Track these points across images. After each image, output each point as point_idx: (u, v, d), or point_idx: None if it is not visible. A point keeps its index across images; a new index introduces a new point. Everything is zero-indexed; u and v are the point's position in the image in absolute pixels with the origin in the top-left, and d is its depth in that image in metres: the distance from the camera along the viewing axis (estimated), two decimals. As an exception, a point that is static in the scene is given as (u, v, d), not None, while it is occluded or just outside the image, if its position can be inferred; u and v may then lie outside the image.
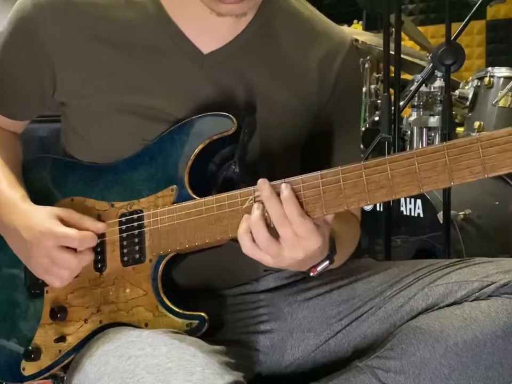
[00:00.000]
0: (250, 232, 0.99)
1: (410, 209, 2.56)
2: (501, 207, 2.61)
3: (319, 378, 1.17)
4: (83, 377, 1.05)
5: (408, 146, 2.99)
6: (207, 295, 1.23)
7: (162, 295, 1.11)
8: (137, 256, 1.13)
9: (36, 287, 1.22)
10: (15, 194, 1.19)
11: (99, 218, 1.17)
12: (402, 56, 2.40)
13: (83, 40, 1.16)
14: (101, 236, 1.15)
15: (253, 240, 0.99)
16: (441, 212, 2.23)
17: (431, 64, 2.20)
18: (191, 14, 1.17)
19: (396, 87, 2.17)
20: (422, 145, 2.93)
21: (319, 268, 1.05)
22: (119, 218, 1.15)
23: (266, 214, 0.98)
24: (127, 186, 1.16)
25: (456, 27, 2.13)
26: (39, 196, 1.20)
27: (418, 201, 2.53)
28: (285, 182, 0.98)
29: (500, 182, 2.66)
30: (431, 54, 2.41)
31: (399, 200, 2.54)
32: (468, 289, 1.14)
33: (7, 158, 1.26)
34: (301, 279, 1.26)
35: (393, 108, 2.12)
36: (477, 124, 2.83)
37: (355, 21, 4.30)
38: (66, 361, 1.16)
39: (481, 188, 2.62)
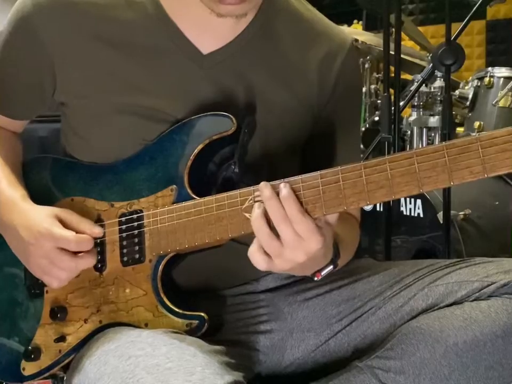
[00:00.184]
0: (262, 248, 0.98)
1: (410, 209, 2.57)
2: (501, 207, 2.61)
3: (319, 378, 1.17)
4: (83, 377, 1.05)
5: (408, 146, 2.99)
6: (207, 295, 1.23)
7: (162, 295, 1.10)
8: (137, 256, 1.13)
9: (36, 287, 1.22)
10: (15, 193, 1.19)
11: (99, 218, 1.17)
12: (402, 56, 2.41)
13: (83, 40, 1.16)
14: (99, 237, 1.15)
15: (265, 253, 0.97)
16: (441, 212, 2.23)
17: (431, 64, 2.20)
18: (190, 14, 1.17)
19: (396, 87, 2.17)
20: (422, 145, 2.93)
21: (323, 272, 1.04)
22: (119, 218, 1.15)
23: (267, 216, 0.98)
24: (127, 186, 1.16)
25: (456, 27, 2.13)
26: (39, 196, 1.20)
27: (418, 201, 2.53)
28: (284, 182, 0.98)
29: (500, 182, 2.66)
30: (431, 54, 2.41)
31: (399, 200, 2.54)
32: (468, 289, 1.14)
33: (7, 157, 1.26)
34: (300, 279, 1.26)
35: (393, 108, 2.12)
36: (477, 123, 2.83)
37: (355, 21, 4.30)
38: (66, 361, 1.16)
39: (481, 188, 2.62)
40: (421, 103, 2.88)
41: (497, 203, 2.62)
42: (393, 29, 2.31)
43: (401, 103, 2.37)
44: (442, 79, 2.73)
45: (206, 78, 1.18)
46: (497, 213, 2.60)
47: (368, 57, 3.56)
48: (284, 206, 0.96)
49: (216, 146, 1.11)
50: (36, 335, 1.20)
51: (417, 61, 3.27)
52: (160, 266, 1.11)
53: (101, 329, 1.13)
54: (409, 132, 2.99)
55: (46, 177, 1.27)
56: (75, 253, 1.12)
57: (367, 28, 4.31)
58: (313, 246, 0.96)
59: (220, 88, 1.18)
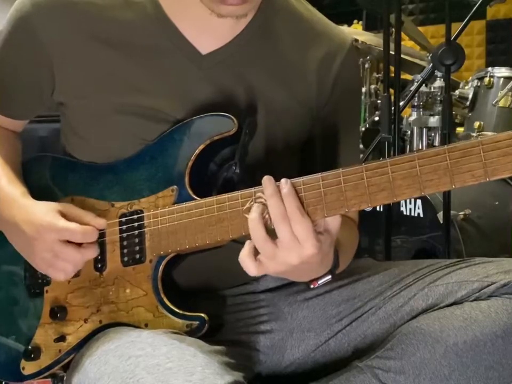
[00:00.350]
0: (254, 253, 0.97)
1: (410, 209, 2.57)
2: (501, 207, 2.61)
3: (319, 378, 1.17)
4: (83, 377, 1.05)
5: (408, 146, 2.99)
6: (207, 295, 1.23)
7: (162, 295, 1.10)
8: (137, 256, 1.13)
9: (36, 286, 1.22)
10: (15, 190, 1.19)
11: (99, 218, 1.17)
12: (402, 56, 2.41)
13: (82, 40, 1.16)
14: (101, 236, 1.15)
15: (255, 258, 0.97)
16: (441, 212, 2.23)
17: (431, 64, 2.21)
18: (189, 14, 1.17)
19: (396, 87, 2.17)
20: (422, 145, 2.93)
21: (320, 281, 1.04)
22: (119, 218, 1.15)
23: (266, 216, 0.97)
24: (128, 186, 1.16)
25: (456, 27, 2.13)
26: (39, 195, 1.20)
27: (418, 201, 2.53)
28: (285, 179, 0.97)
29: (500, 182, 2.66)
30: (431, 54, 2.41)
31: (399, 201, 2.54)
32: (468, 289, 1.13)
33: (6, 156, 1.26)
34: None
35: (393, 108, 2.12)
36: (477, 124, 2.83)
37: (355, 21, 4.30)
38: (66, 361, 1.16)
39: (481, 188, 2.62)
40: (421, 103, 2.88)
41: (497, 203, 2.62)
42: (393, 29, 2.31)
43: (401, 103, 2.38)
44: (442, 79, 2.73)
45: (205, 78, 1.18)
46: (497, 213, 2.60)
47: (368, 57, 3.56)
48: (284, 203, 0.96)
49: (217, 146, 1.11)
50: (35, 335, 1.20)
51: (417, 61, 3.27)
52: (161, 266, 1.11)
53: (101, 329, 1.13)
54: (409, 132, 2.99)
55: (46, 177, 1.27)
56: (79, 245, 1.12)
57: (367, 28, 4.31)
58: (308, 249, 0.95)
59: (219, 89, 1.18)
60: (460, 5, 2.25)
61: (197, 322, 1.08)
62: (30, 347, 1.19)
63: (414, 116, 2.92)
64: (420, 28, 3.77)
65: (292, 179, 0.98)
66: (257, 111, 1.18)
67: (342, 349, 1.21)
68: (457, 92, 2.96)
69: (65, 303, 1.18)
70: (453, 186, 0.90)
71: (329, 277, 1.04)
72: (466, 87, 2.99)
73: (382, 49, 2.20)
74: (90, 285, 1.17)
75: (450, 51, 1.97)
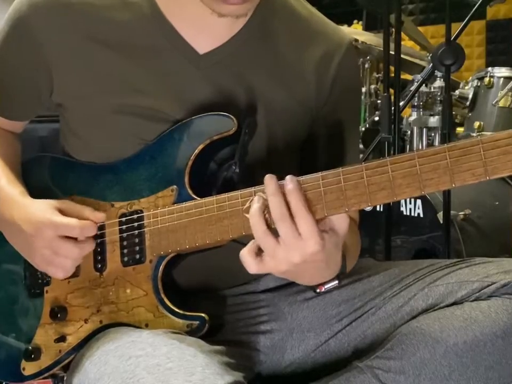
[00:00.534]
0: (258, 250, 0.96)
1: (410, 209, 2.57)
2: (501, 207, 2.61)
3: (319, 378, 1.17)
4: (83, 377, 1.05)
5: (408, 146, 3.00)
6: (207, 295, 1.23)
7: (162, 295, 1.10)
8: (138, 256, 1.13)
9: (36, 286, 1.22)
10: (14, 190, 1.19)
11: (99, 218, 1.17)
12: (402, 56, 2.41)
13: (79, 40, 1.16)
14: (101, 235, 1.15)
15: (256, 255, 0.96)
16: (441, 212, 2.23)
17: (431, 64, 2.21)
18: (187, 14, 1.17)
19: (396, 87, 2.17)
20: (422, 145, 2.93)
21: (326, 286, 1.03)
22: (119, 218, 1.15)
23: (267, 215, 0.97)
24: (127, 186, 1.16)
25: (456, 27, 2.13)
26: (39, 195, 1.19)
27: (418, 201, 2.53)
28: (290, 176, 0.96)
29: (500, 182, 2.66)
30: (431, 54, 2.41)
31: (399, 200, 2.54)
32: (468, 289, 1.13)
33: (6, 157, 1.26)
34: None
35: (393, 108, 2.12)
36: (477, 124, 2.83)
37: (355, 21, 4.31)
38: (66, 361, 1.16)
39: (481, 188, 2.62)
40: (421, 103, 2.88)
41: (497, 203, 2.62)
42: (393, 29, 2.32)
43: (401, 103, 2.38)
44: (442, 79, 2.73)
45: (203, 78, 1.18)
46: (497, 213, 2.60)
47: (368, 57, 3.56)
48: (288, 200, 0.95)
49: (217, 146, 1.11)
50: (36, 335, 1.20)
51: (417, 61, 3.27)
52: (161, 266, 1.11)
53: (101, 330, 1.13)
54: (409, 132, 3.00)
55: (46, 176, 1.27)
56: (76, 240, 1.12)
57: (367, 28, 4.31)
58: (311, 247, 0.94)
59: (218, 88, 1.18)
60: (459, 5, 2.25)
61: (197, 322, 1.08)
62: (30, 347, 1.19)
63: (414, 116, 2.92)
64: (420, 28, 3.77)
65: None
66: (256, 110, 1.18)
67: (342, 349, 1.21)
68: (457, 92, 2.96)
69: (65, 303, 1.18)
70: (453, 185, 0.90)
71: (336, 282, 1.03)
72: (466, 87, 2.99)
73: (382, 49, 2.21)
74: (90, 285, 1.17)
75: (450, 51, 1.97)
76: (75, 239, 1.12)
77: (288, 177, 0.96)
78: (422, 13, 5.15)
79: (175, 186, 1.12)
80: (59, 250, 1.11)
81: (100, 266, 1.16)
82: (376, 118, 3.35)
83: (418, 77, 2.69)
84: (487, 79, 2.87)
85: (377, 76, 3.71)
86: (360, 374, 1.12)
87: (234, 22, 1.17)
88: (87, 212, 1.14)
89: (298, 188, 0.95)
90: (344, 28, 3.58)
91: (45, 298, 1.21)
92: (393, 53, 2.17)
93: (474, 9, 2.25)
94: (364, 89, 3.59)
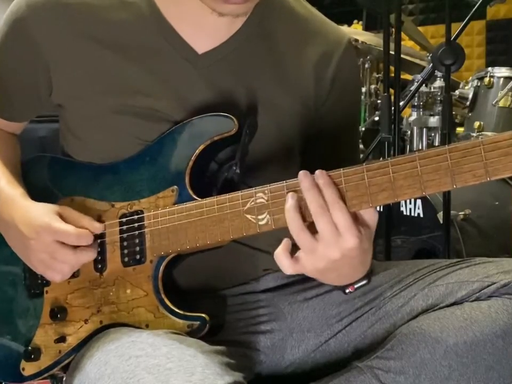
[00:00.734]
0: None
1: (410, 209, 2.57)
2: (501, 207, 2.61)
3: (319, 378, 1.17)
4: (83, 378, 1.05)
5: (408, 146, 3.00)
6: (207, 295, 1.22)
7: (163, 296, 1.10)
8: (138, 256, 1.13)
9: (36, 287, 1.22)
10: (14, 191, 1.19)
11: (99, 218, 1.17)
12: (402, 56, 2.41)
13: (77, 41, 1.16)
14: (101, 236, 1.15)
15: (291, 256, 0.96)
16: (441, 212, 2.23)
17: (431, 64, 2.21)
18: (185, 14, 1.17)
19: (396, 87, 2.17)
20: (422, 145, 2.93)
21: (356, 285, 1.04)
22: (120, 218, 1.15)
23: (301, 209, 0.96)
24: (128, 186, 1.16)
25: (456, 27, 2.13)
26: (38, 195, 1.20)
27: (419, 202, 2.53)
28: (319, 171, 0.97)
29: (500, 182, 2.66)
30: (431, 54, 2.41)
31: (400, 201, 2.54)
32: (468, 289, 1.13)
33: (6, 158, 1.26)
34: (300, 279, 1.26)
35: (393, 108, 2.12)
36: (477, 124, 2.83)
37: (355, 21, 4.31)
38: (66, 362, 1.16)
39: (481, 188, 2.62)
40: (421, 103, 2.89)
41: (497, 203, 2.62)
42: (393, 29, 2.32)
43: (401, 103, 2.38)
44: (442, 79, 2.74)
45: (202, 78, 1.18)
46: (497, 213, 2.60)
47: (368, 57, 3.57)
48: (323, 194, 0.95)
49: (218, 147, 1.11)
50: (35, 335, 1.20)
51: (417, 61, 3.27)
52: (161, 267, 1.11)
53: (101, 330, 1.13)
54: (409, 132, 3.00)
55: (46, 177, 1.27)
56: (75, 247, 1.12)
57: (367, 28, 4.31)
58: (349, 240, 0.94)
59: (217, 88, 1.18)
60: (459, 5, 2.25)
61: (198, 322, 1.08)
62: (30, 348, 1.19)
63: (414, 116, 2.92)
64: (420, 28, 3.78)
65: (293, 179, 0.98)
66: (257, 110, 1.18)
67: (342, 349, 1.21)
68: (457, 92, 2.96)
69: (65, 304, 1.18)
70: (454, 186, 0.91)
71: (366, 281, 1.04)
72: (466, 87, 2.99)
73: (382, 49, 2.20)
74: (90, 286, 1.17)
75: (450, 51, 1.97)
76: (73, 245, 1.12)
77: (317, 172, 0.96)
78: (422, 13, 5.16)
79: (175, 186, 1.12)
80: (56, 255, 1.11)
81: (100, 266, 1.16)
82: (376, 118, 3.35)
83: (418, 77, 2.69)
84: (487, 79, 2.87)
85: (377, 76, 3.71)
86: (360, 374, 1.12)
87: (233, 21, 1.17)
88: (85, 221, 1.14)
89: (331, 181, 0.95)
90: (344, 28, 3.58)
91: (44, 298, 1.21)
92: (393, 53, 2.17)
93: (474, 9, 2.25)
94: (364, 89, 3.59)
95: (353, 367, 1.14)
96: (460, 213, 2.43)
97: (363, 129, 3.32)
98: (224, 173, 1.11)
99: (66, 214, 1.14)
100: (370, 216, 0.97)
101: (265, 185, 1.02)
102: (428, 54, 3.27)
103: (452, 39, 2.02)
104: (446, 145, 0.91)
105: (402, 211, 2.59)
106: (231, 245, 1.12)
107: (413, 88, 2.70)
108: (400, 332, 1.13)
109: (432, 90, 2.89)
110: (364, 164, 0.95)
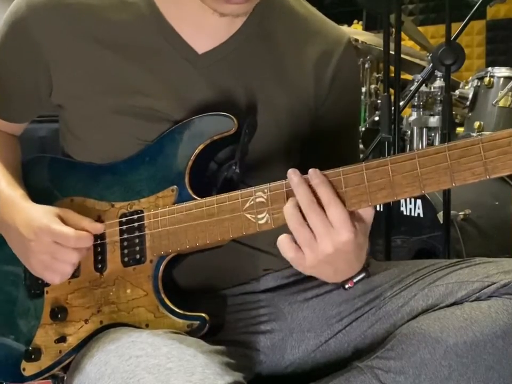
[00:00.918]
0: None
1: (410, 209, 2.57)
2: (501, 207, 2.61)
3: (319, 378, 1.17)
4: (83, 378, 1.05)
5: (408, 146, 3.00)
6: (207, 295, 1.22)
7: (163, 295, 1.10)
8: (138, 256, 1.13)
9: (36, 287, 1.22)
10: (14, 193, 1.19)
11: (99, 218, 1.17)
12: (402, 56, 2.41)
13: (77, 41, 1.16)
14: (101, 236, 1.15)
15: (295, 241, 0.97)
16: (441, 212, 2.23)
17: (431, 64, 2.21)
18: (185, 14, 1.17)
19: (396, 87, 2.17)
20: (422, 145, 2.94)
21: (355, 279, 1.04)
22: (119, 218, 1.15)
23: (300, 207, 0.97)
24: (128, 186, 1.16)
25: (456, 27, 2.13)
26: (38, 196, 1.20)
27: (418, 201, 2.53)
28: (312, 169, 0.97)
29: (500, 182, 2.66)
30: (431, 54, 2.41)
31: (399, 200, 2.54)
32: (468, 289, 1.13)
33: (6, 160, 1.26)
34: (300, 278, 1.26)
35: (393, 108, 2.12)
36: (477, 124, 2.83)
37: (355, 21, 4.31)
38: (66, 362, 1.16)
39: (481, 188, 2.62)
40: (421, 103, 2.89)
41: (497, 203, 2.62)
42: (393, 29, 2.32)
43: (401, 103, 2.38)
44: (442, 79, 2.74)
45: (202, 78, 1.18)
46: (497, 213, 2.60)
47: (368, 57, 3.57)
48: (318, 192, 0.96)
49: (217, 146, 1.11)
50: (36, 336, 1.20)
51: (417, 61, 3.27)
52: (161, 266, 1.11)
53: (101, 330, 1.13)
54: (409, 132, 3.00)
55: (46, 177, 1.27)
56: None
57: (367, 28, 4.32)
58: (344, 235, 0.95)
59: (217, 88, 1.18)
60: (459, 5, 2.25)
61: (198, 322, 1.08)
62: (30, 348, 1.19)
63: (414, 116, 2.92)
64: (420, 28, 3.78)
65: None
66: (256, 110, 1.18)
67: (342, 349, 1.21)
68: (457, 92, 2.96)
69: (65, 304, 1.18)
70: (453, 185, 0.91)
71: (364, 274, 1.04)
72: (466, 87, 2.99)
73: (382, 49, 2.20)
74: (90, 286, 1.17)
75: (450, 51, 1.97)
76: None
77: (311, 171, 0.97)
78: (422, 13, 5.16)
79: (175, 186, 1.12)
80: (57, 255, 1.11)
81: (100, 266, 1.16)
82: (376, 118, 3.36)
83: (418, 77, 2.69)
84: (487, 79, 2.87)
85: (377, 75, 3.72)
86: (360, 374, 1.12)
87: (233, 21, 1.17)
88: (85, 223, 1.14)
89: (326, 179, 0.96)
90: (344, 28, 3.58)
91: (45, 298, 1.21)
92: (393, 53, 2.17)
93: (474, 9, 2.25)
94: (363, 89, 3.60)
95: (353, 367, 1.14)
96: (460, 213, 2.43)
97: (363, 129, 3.32)
98: (224, 172, 1.11)
99: (67, 216, 1.14)
100: (366, 210, 0.97)
101: (265, 184, 1.02)
102: (427, 54, 3.27)
103: (452, 39, 2.02)
104: (445, 144, 0.91)
105: (402, 211, 2.59)
106: (231, 244, 1.12)
107: (413, 88, 2.70)
108: (400, 332, 1.13)
109: (432, 90, 2.89)
110: (363, 163, 0.95)
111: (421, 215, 2.53)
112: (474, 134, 2.82)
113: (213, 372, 0.95)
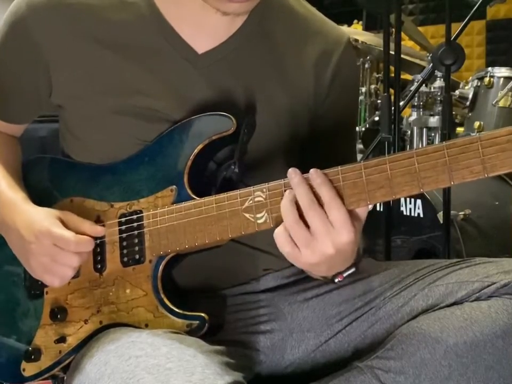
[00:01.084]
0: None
1: (410, 209, 2.57)
2: (501, 207, 2.61)
3: (319, 378, 1.17)
4: (83, 378, 1.05)
5: (408, 146, 3.00)
6: (207, 295, 1.22)
7: (162, 295, 1.10)
8: (137, 256, 1.13)
9: (36, 287, 1.22)
10: (15, 195, 1.19)
11: (98, 218, 1.17)
12: (402, 56, 2.40)
13: (77, 41, 1.16)
14: (101, 236, 1.15)
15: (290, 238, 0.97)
16: (441, 212, 2.23)
17: (431, 64, 2.20)
18: (185, 14, 1.17)
19: (396, 87, 2.17)
20: (422, 145, 2.93)
21: (345, 274, 1.05)
22: (119, 218, 1.15)
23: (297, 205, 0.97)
24: (127, 186, 1.16)
25: (456, 27, 2.13)
26: (38, 196, 1.20)
27: (418, 201, 2.53)
28: (314, 169, 0.97)
29: (500, 182, 2.66)
30: (431, 54, 2.41)
31: (399, 200, 2.54)
32: (468, 289, 1.13)
33: (7, 161, 1.26)
34: (300, 278, 1.26)
35: (393, 108, 2.12)
36: (477, 124, 2.83)
37: (355, 21, 4.31)
38: (66, 362, 1.16)
39: (481, 188, 2.62)
40: (421, 103, 2.89)
41: (497, 203, 2.62)
42: (393, 29, 2.32)
43: (401, 103, 2.37)
44: (442, 79, 2.74)
45: (202, 78, 1.18)
46: (497, 213, 2.60)
47: (368, 57, 3.57)
48: (319, 192, 0.96)
49: (216, 146, 1.11)
50: (36, 336, 1.20)
51: (417, 61, 3.27)
52: (161, 266, 1.11)
53: (101, 330, 1.13)
54: (409, 132, 3.00)
55: (45, 178, 1.27)
56: None
57: (367, 28, 4.32)
58: (345, 236, 0.95)
59: (217, 88, 1.18)
60: (459, 5, 2.25)
61: (197, 322, 1.08)
62: (30, 348, 1.19)
63: (414, 116, 2.92)
64: (420, 28, 3.77)
65: None
66: (255, 109, 1.18)
67: (342, 349, 1.21)
68: (457, 92, 2.96)
69: (65, 304, 1.18)
70: (452, 183, 0.91)
71: (353, 269, 1.04)
72: (466, 87, 2.99)
73: (382, 49, 2.20)
74: (90, 286, 1.17)
75: (450, 51, 1.97)
76: None
77: (312, 171, 0.97)
78: (422, 13, 5.16)
79: (174, 186, 1.12)
80: (57, 258, 1.11)
81: (99, 266, 1.16)
82: (376, 118, 3.36)
83: (418, 77, 2.69)
84: (487, 79, 2.87)
85: (377, 75, 3.72)
86: (360, 374, 1.12)
87: (233, 21, 1.17)
88: (86, 226, 1.13)
89: (327, 180, 0.96)
90: (344, 28, 3.59)
91: (44, 299, 1.20)
92: (393, 53, 2.17)
93: (474, 9, 2.24)
94: (363, 89, 3.60)
95: (353, 367, 1.14)
96: (460, 213, 2.43)
97: (363, 129, 3.32)
98: (223, 172, 1.11)
99: (67, 218, 1.14)
100: (362, 208, 0.98)
101: (264, 184, 1.02)
102: (428, 54, 3.27)
103: (452, 39, 2.02)
104: (444, 142, 0.91)
105: (402, 211, 2.58)
106: (231, 244, 1.12)
107: (413, 88, 2.70)
108: (400, 332, 1.13)
109: (432, 90, 2.89)
110: (362, 162, 0.95)
111: (421, 215, 2.53)
112: (474, 134, 2.81)
113: (212, 371, 0.95)
